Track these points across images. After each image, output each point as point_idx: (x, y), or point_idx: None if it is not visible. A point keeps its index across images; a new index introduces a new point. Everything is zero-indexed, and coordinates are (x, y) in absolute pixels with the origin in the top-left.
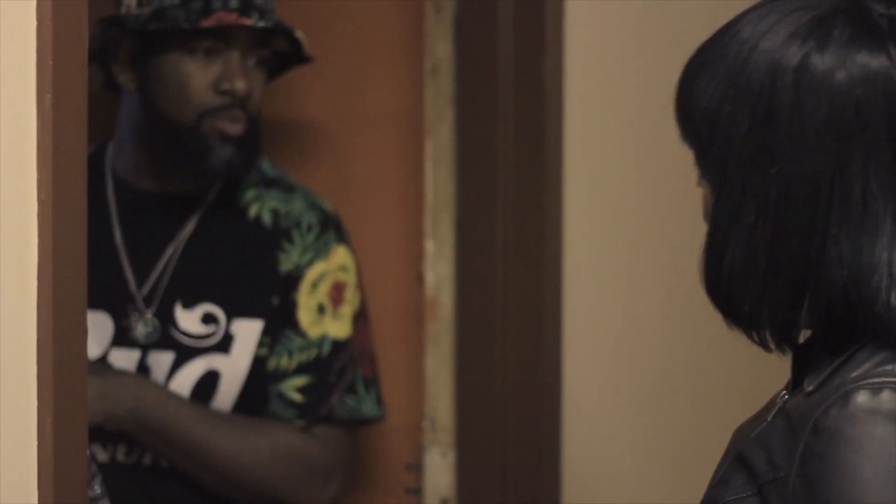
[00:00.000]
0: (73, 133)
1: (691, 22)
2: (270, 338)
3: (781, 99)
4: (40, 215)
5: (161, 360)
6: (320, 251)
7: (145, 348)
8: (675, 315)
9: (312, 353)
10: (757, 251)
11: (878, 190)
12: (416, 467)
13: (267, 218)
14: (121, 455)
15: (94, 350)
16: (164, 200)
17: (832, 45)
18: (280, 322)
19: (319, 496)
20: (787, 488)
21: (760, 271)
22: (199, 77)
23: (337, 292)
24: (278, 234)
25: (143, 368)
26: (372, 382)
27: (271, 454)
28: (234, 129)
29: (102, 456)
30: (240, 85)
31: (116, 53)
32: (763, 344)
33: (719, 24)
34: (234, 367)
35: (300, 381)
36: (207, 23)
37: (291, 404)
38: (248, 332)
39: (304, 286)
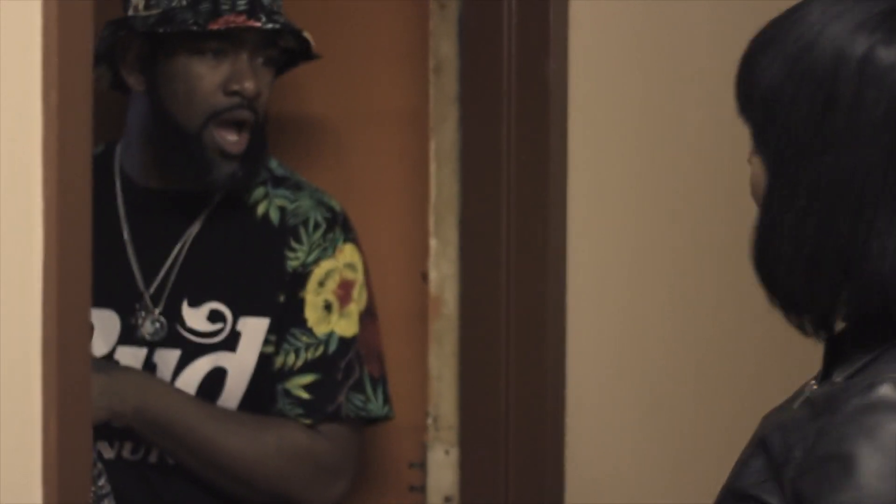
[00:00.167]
0: (77, 131)
1: (695, 23)
2: (277, 335)
3: (843, 88)
4: (45, 213)
5: (168, 358)
6: (327, 249)
7: (152, 346)
8: (678, 315)
9: (319, 351)
10: (804, 236)
11: None
12: (420, 465)
13: (274, 216)
14: (126, 452)
15: (100, 348)
16: (171, 199)
17: None
18: (287, 320)
19: (327, 494)
20: (798, 466)
21: (805, 256)
22: (208, 78)
23: (344, 290)
24: (285, 232)
25: (149, 366)
26: (379, 381)
27: (278, 452)
28: (237, 147)
29: (108, 453)
30: (249, 85)
31: (125, 55)
32: (801, 328)
33: (723, 25)
34: (240, 365)
35: (307, 378)
36: (216, 25)
37: (298, 402)
38: (254, 329)
39: (311, 284)
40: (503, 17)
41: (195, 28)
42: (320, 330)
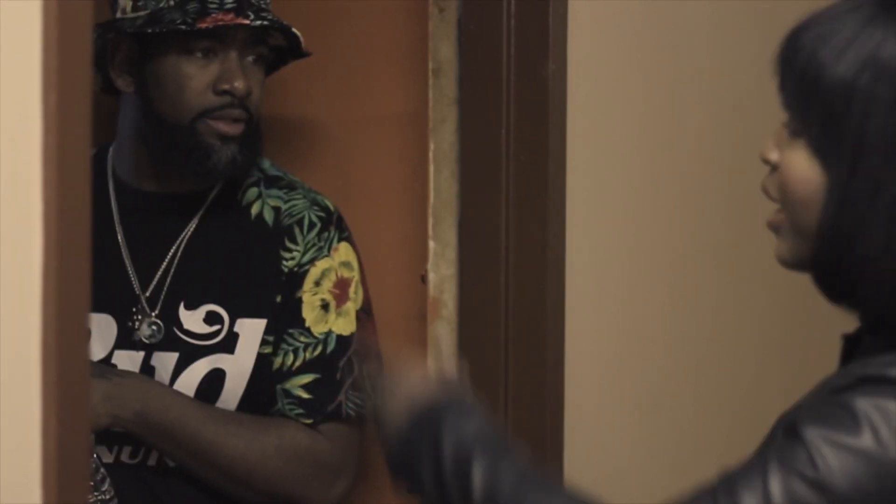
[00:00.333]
0: (77, 133)
1: (694, 24)
2: (274, 336)
3: None
4: (45, 215)
5: (165, 361)
6: (323, 248)
7: (149, 349)
8: (677, 316)
9: (318, 351)
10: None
11: None
12: None
13: (268, 216)
14: (125, 456)
15: (98, 352)
16: (165, 201)
17: None
18: (284, 320)
19: (328, 493)
20: (798, 408)
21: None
22: (198, 78)
23: (340, 289)
24: (280, 233)
25: (147, 369)
26: None
27: (279, 452)
28: (234, 129)
29: (107, 457)
30: (239, 84)
31: (114, 57)
32: (872, 328)
33: (723, 26)
34: (238, 366)
35: (306, 378)
36: (204, 24)
37: (298, 402)
38: (252, 330)
39: (308, 283)
40: (502, 20)
41: (183, 28)
42: (318, 329)
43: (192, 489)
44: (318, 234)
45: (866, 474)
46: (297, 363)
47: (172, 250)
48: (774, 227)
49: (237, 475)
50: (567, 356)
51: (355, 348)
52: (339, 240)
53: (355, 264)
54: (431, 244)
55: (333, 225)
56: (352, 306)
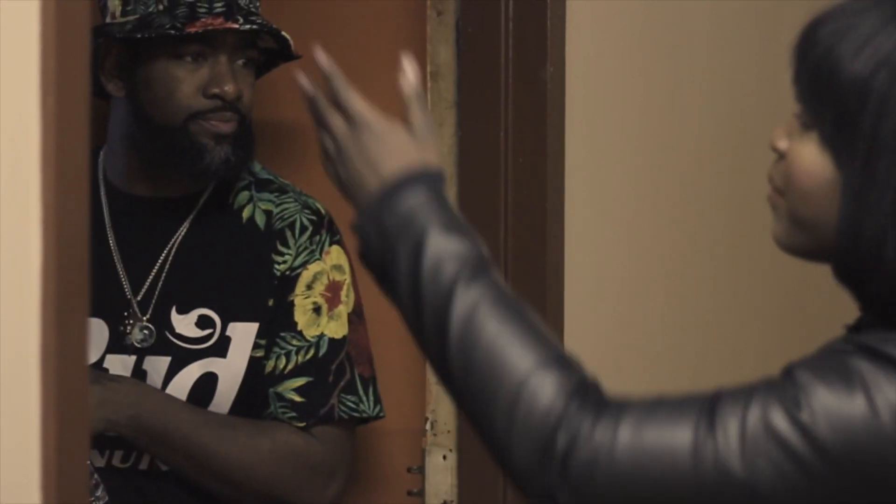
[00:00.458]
0: (75, 136)
1: (693, 27)
2: (266, 339)
3: None
4: (44, 218)
5: (158, 365)
6: (315, 252)
7: (141, 353)
8: (676, 318)
9: (310, 354)
10: None
11: None
12: (418, 469)
13: (260, 220)
14: (117, 460)
15: (89, 356)
16: (156, 205)
17: None
18: (276, 324)
19: (321, 496)
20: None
21: None
22: (188, 82)
23: (332, 292)
24: (272, 236)
25: (139, 373)
26: (370, 381)
27: (272, 455)
28: (227, 126)
29: (98, 462)
30: (229, 88)
31: (104, 62)
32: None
33: (722, 28)
34: (230, 370)
35: (299, 381)
36: (194, 28)
37: (291, 405)
38: (243, 334)
39: (300, 287)
40: (500, 23)
41: (173, 32)
42: (310, 333)
43: (184, 493)
44: (310, 238)
45: (855, 433)
46: (290, 367)
47: (164, 254)
48: (773, 205)
49: (231, 478)
50: None
51: (347, 351)
52: (331, 243)
53: (347, 267)
54: None
55: (325, 228)
56: (343, 309)
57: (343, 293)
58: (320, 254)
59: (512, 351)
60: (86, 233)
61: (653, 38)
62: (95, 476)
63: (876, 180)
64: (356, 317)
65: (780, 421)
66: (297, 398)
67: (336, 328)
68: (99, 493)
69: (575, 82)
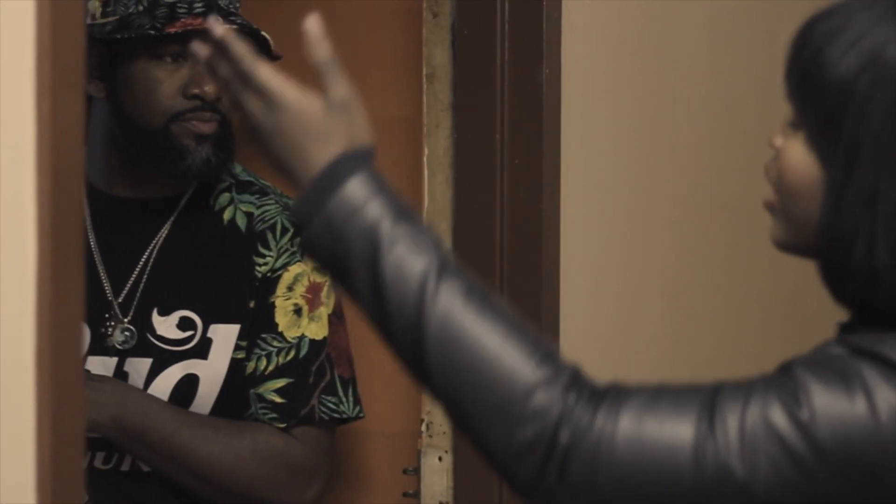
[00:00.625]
0: (71, 138)
1: (689, 29)
2: (248, 341)
3: None
4: (39, 220)
5: (139, 367)
6: (296, 253)
7: (122, 355)
8: (673, 321)
9: (291, 355)
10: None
11: None
12: (414, 471)
13: (241, 222)
14: (99, 462)
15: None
16: (137, 206)
17: None
18: (257, 325)
19: (301, 496)
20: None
21: None
22: (168, 82)
23: (313, 293)
24: (253, 238)
25: (120, 375)
26: (349, 382)
27: (253, 456)
28: (207, 127)
29: None
30: (209, 88)
31: None
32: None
33: (719, 29)
34: (212, 372)
35: (279, 383)
36: (173, 29)
37: (272, 406)
38: (225, 336)
39: (281, 289)
40: (496, 24)
41: (152, 32)
42: (291, 334)
43: (166, 493)
44: (291, 240)
45: (855, 435)
46: (270, 368)
47: (145, 256)
48: (769, 207)
49: (212, 479)
50: None
51: (327, 352)
52: None
53: None
54: None
55: None
56: (324, 311)
57: (323, 294)
58: (301, 255)
59: (497, 348)
60: (81, 235)
61: (649, 40)
62: None
63: (854, 181)
64: (336, 318)
65: (779, 418)
66: (278, 399)
67: (317, 329)
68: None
69: (571, 84)
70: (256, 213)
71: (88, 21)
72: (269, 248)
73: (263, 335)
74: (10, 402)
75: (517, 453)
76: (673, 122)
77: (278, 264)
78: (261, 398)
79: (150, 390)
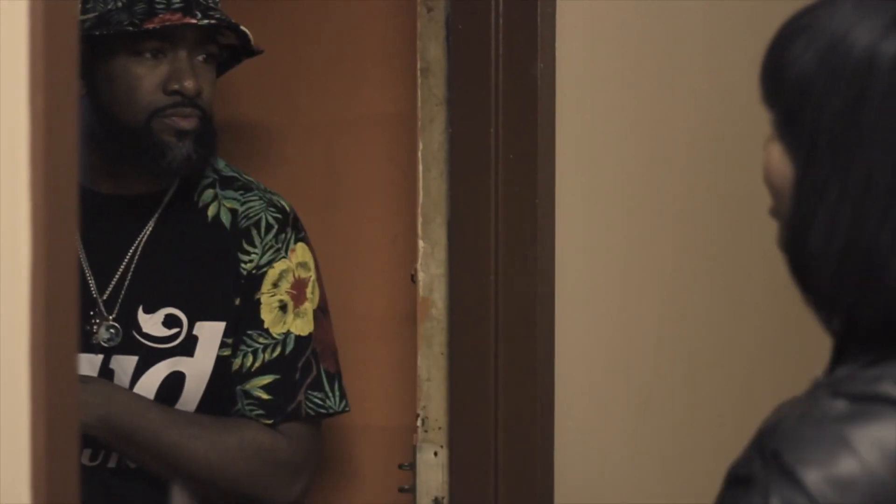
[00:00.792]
0: (64, 134)
1: (684, 24)
2: (233, 338)
3: (875, 84)
4: (33, 218)
5: (125, 364)
6: (280, 250)
7: (108, 353)
8: (668, 316)
9: (277, 352)
10: (836, 232)
11: None
12: (409, 466)
13: (225, 218)
14: (85, 459)
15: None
16: (121, 203)
17: None
18: (243, 322)
19: (289, 491)
20: (784, 426)
21: (837, 253)
22: (148, 78)
23: (298, 290)
24: (238, 235)
25: (106, 372)
26: (335, 376)
27: (241, 453)
28: (188, 122)
29: None
30: (188, 84)
31: None
32: (827, 325)
33: (714, 26)
34: (198, 369)
35: (266, 379)
36: (152, 24)
37: (258, 403)
38: (210, 333)
39: (266, 285)
40: (490, 19)
41: (131, 28)
42: (277, 330)
43: (153, 490)
44: (276, 236)
45: (853, 491)
46: (257, 364)
47: (129, 253)
48: (770, 212)
49: (200, 476)
50: (557, 356)
51: (313, 348)
52: (296, 240)
53: (312, 264)
54: (421, 244)
55: (290, 226)
56: (309, 306)
57: (308, 290)
58: (286, 252)
59: None
60: (75, 232)
61: (644, 35)
62: None
63: (809, 175)
64: (321, 313)
65: None
66: (265, 396)
67: (302, 325)
68: None
69: (565, 79)
70: (241, 209)
71: None
72: (253, 245)
73: (249, 332)
74: (4, 401)
75: None
76: (668, 115)
77: (263, 261)
78: (247, 395)
79: (137, 388)
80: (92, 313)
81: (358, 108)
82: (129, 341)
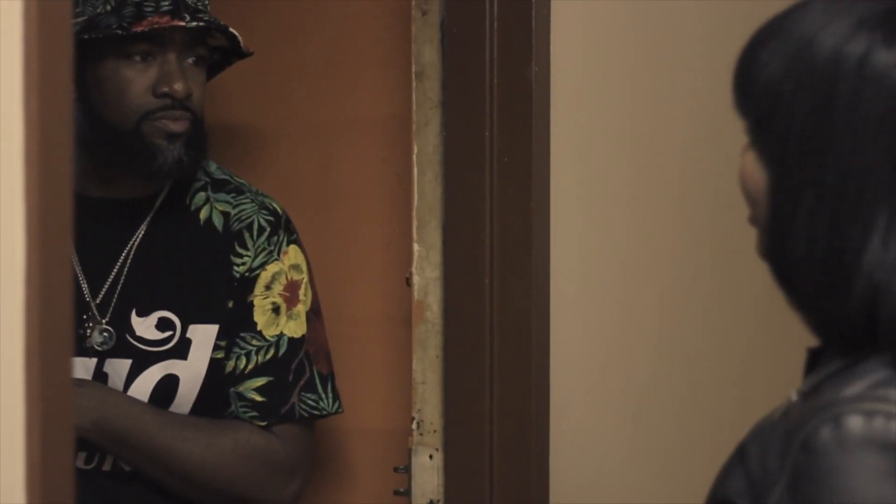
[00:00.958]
0: (59, 136)
1: (679, 26)
2: (227, 340)
3: (842, 86)
4: (27, 220)
5: (118, 368)
6: (273, 252)
7: (102, 356)
8: (664, 319)
9: (270, 354)
10: (816, 238)
11: None
12: (405, 469)
13: (218, 221)
14: (80, 462)
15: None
16: (112, 207)
17: None
18: (236, 325)
19: (283, 493)
20: (774, 497)
21: (820, 258)
22: (138, 82)
23: (291, 292)
24: (230, 238)
25: (100, 376)
26: (328, 378)
27: (235, 455)
28: (178, 125)
29: None
30: (178, 87)
31: None
32: (815, 330)
33: (708, 28)
34: (191, 372)
35: (259, 381)
36: (140, 27)
37: (252, 405)
38: (204, 336)
39: (259, 288)
40: (485, 22)
41: (120, 32)
42: (270, 332)
43: (148, 493)
44: (268, 239)
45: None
46: (250, 367)
47: (122, 257)
48: (749, 220)
49: (194, 478)
50: (552, 359)
51: (306, 349)
52: (289, 243)
53: (304, 266)
54: (416, 247)
55: (282, 228)
56: (302, 308)
57: (301, 292)
58: (278, 254)
59: None
60: (69, 234)
61: (639, 37)
62: None
63: (786, 188)
64: (314, 314)
65: None
66: (258, 398)
67: (295, 327)
68: None
69: (560, 81)
70: (233, 212)
71: None
72: (246, 248)
73: (242, 334)
74: None
75: None
76: (663, 118)
77: (256, 263)
78: (241, 397)
79: (131, 391)
80: (85, 317)
81: (352, 112)
82: (123, 345)
